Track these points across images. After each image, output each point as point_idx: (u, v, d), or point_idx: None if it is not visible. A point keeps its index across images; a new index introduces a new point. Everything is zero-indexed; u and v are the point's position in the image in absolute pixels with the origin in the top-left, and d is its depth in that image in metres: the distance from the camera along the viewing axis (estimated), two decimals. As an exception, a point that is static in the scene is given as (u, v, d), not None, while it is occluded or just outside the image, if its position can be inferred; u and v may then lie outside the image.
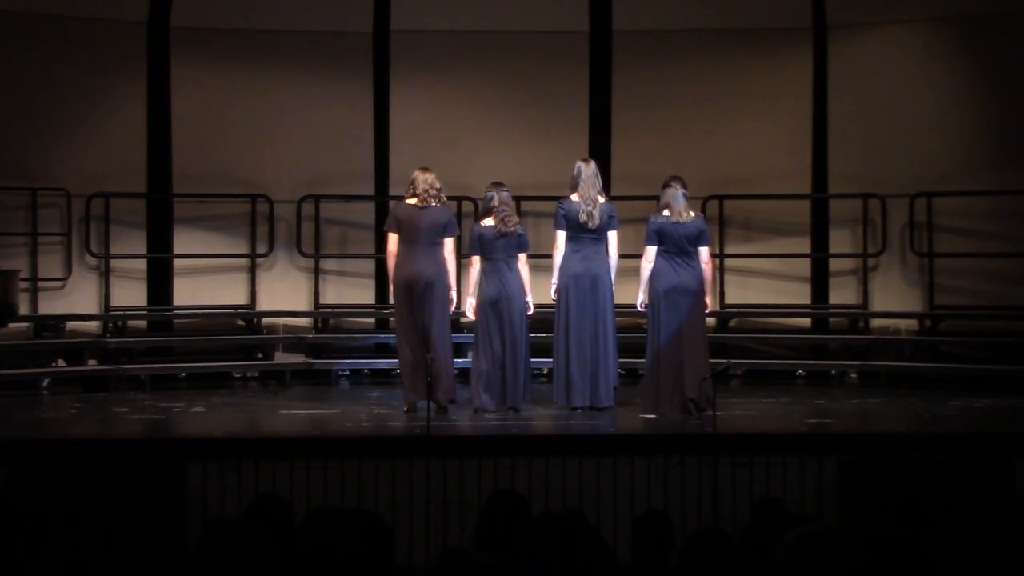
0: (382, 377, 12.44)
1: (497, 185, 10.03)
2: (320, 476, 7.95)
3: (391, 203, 10.04)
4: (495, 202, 9.91)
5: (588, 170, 10.01)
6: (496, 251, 9.87)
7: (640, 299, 9.89)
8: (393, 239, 9.80)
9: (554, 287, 9.99)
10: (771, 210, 12.92)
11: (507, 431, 9.07)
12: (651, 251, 9.75)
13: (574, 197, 9.97)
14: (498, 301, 9.79)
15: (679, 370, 9.62)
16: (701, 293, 9.78)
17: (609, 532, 7.46)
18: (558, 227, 9.97)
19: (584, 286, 9.89)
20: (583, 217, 9.88)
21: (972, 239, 12.40)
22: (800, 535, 3.30)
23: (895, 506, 6.94)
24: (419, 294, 9.70)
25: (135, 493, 7.63)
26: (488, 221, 9.93)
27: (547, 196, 11.46)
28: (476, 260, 9.89)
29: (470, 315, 9.93)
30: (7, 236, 12.01)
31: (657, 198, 10.03)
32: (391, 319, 12.88)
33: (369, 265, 13.04)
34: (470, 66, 13.07)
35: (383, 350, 12.81)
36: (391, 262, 9.82)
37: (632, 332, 11.29)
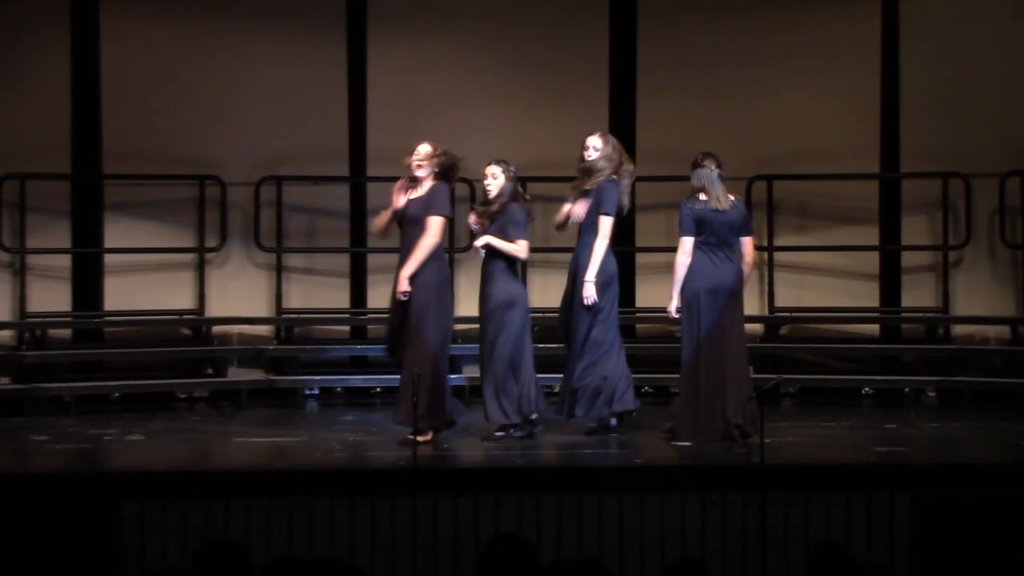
0: (358, 397, 12.45)
1: (503, 163, 10.02)
2: (283, 517, 7.96)
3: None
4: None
5: (607, 147, 10.06)
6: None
7: (674, 303, 9.84)
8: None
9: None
10: (831, 193, 12.92)
11: (510, 463, 9.07)
12: (688, 243, 9.71)
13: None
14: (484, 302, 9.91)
15: (720, 388, 9.60)
16: (741, 293, 9.78)
17: (635, 585, 7.48)
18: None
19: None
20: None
21: (1076, 228, 12.46)
22: (867, 587, 3.31)
23: (981, 552, 6.94)
24: (400, 295, 9.68)
25: (58, 539, 7.62)
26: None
27: (557, 177, 11.46)
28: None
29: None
30: (-98, 227, 12.07)
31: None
32: (369, 327, 12.91)
33: (343, 261, 13.04)
34: (465, 21, 13.07)
35: (360, 364, 12.81)
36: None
37: (663, 341, 11.27)
